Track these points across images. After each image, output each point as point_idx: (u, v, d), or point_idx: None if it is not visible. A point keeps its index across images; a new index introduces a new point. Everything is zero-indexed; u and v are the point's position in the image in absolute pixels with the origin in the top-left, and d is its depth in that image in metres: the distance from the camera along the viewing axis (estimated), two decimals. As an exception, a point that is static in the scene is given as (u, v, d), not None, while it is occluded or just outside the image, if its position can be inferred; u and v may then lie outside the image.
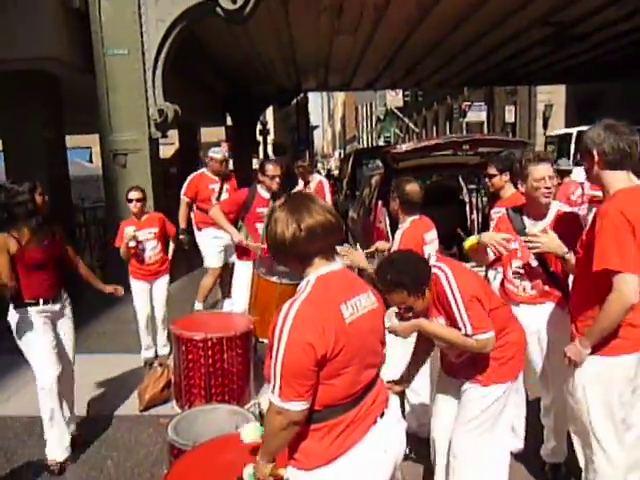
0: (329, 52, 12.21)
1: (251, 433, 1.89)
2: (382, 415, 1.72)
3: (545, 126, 20.37)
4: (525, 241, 2.71)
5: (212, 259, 5.90)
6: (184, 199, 5.90)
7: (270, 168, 4.54)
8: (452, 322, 2.31)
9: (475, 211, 6.71)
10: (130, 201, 4.65)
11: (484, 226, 6.15)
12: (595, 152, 2.20)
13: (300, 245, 1.63)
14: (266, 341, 4.42)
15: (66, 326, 3.50)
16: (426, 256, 3.04)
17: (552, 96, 20.78)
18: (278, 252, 1.70)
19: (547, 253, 2.70)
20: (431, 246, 3.32)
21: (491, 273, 3.92)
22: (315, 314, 1.57)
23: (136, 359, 4.85)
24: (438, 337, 2.40)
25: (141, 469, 3.19)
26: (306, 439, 1.63)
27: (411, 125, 37.10)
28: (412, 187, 3.41)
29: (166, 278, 4.88)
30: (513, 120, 22.93)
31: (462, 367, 2.46)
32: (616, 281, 2.12)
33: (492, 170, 4.08)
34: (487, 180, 4.17)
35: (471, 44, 11.77)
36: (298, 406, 1.55)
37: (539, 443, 3.13)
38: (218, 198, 5.77)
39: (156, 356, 4.90)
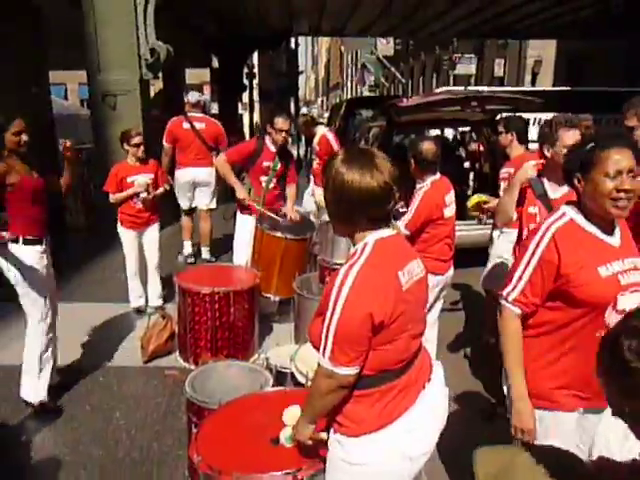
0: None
1: (293, 416, 1.88)
2: (429, 380, 1.71)
3: (533, 82, 20.14)
4: None
5: (180, 200, 6.19)
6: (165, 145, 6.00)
7: (280, 121, 4.41)
8: None
9: (474, 168, 6.67)
10: (136, 145, 4.49)
11: (482, 184, 6.14)
12: None
13: (361, 206, 1.55)
14: (268, 296, 4.41)
15: (52, 271, 3.36)
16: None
17: (542, 52, 20.43)
18: (333, 208, 1.63)
19: None
20: (449, 209, 3.25)
21: (495, 233, 3.94)
22: (376, 279, 1.51)
23: (127, 308, 4.77)
24: None
25: (152, 420, 3.17)
26: (356, 405, 1.60)
27: (398, 75, 36.31)
28: (428, 146, 3.29)
29: (157, 226, 4.77)
30: (502, 74, 22.61)
31: None
32: None
33: (500, 128, 4.21)
34: (496, 137, 4.30)
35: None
36: (349, 371, 1.52)
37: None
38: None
39: (147, 305, 4.83)
